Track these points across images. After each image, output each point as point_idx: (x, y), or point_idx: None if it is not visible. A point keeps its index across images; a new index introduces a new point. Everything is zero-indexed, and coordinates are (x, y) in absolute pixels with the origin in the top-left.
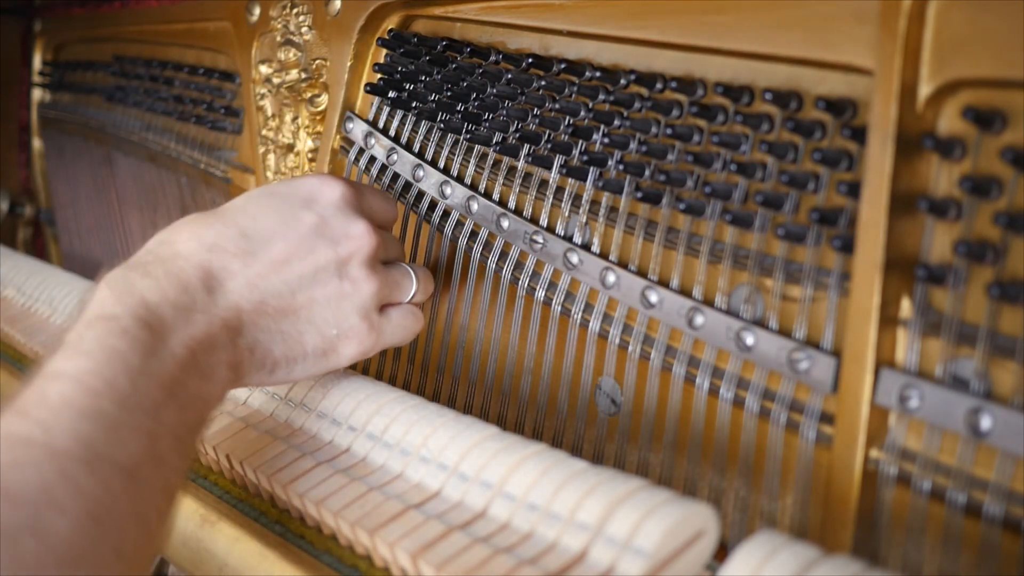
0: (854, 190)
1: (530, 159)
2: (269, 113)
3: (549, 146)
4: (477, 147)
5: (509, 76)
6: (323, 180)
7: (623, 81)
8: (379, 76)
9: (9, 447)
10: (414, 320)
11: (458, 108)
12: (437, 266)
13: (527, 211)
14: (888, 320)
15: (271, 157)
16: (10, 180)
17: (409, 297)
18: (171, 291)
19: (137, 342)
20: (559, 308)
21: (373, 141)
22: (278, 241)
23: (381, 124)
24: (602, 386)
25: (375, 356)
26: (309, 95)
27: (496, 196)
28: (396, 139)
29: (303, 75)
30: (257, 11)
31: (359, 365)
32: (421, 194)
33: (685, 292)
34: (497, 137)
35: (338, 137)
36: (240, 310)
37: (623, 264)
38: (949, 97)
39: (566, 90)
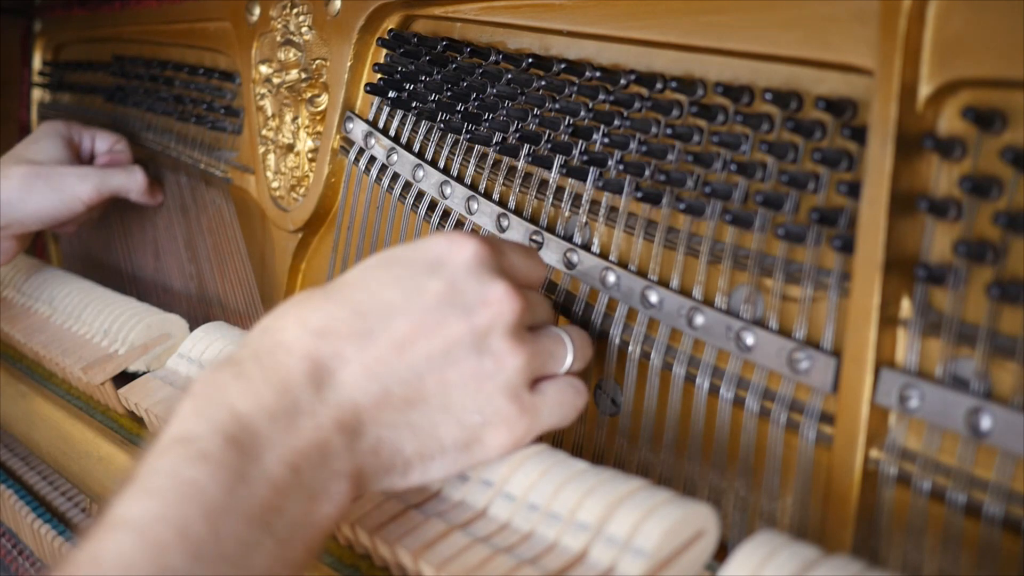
0: (854, 190)
1: (530, 159)
2: (269, 113)
3: (549, 146)
4: (477, 147)
5: (509, 76)
6: (452, 239)
7: (623, 81)
8: (379, 76)
9: None
10: (574, 394)
11: (458, 108)
12: None
13: (527, 211)
14: (888, 320)
15: (271, 157)
16: None
17: (565, 367)
18: (268, 394)
19: (221, 469)
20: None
21: (373, 141)
22: (400, 316)
23: (381, 124)
24: (602, 386)
25: None
26: (309, 95)
27: (496, 196)
28: (396, 139)
29: (303, 75)
30: (257, 11)
31: None
32: (421, 194)
33: (685, 292)
34: (497, 137)
35: (338, 137)
36: (357, 405)
37: (623, 264)
38: (949, 97)
39: (566, 90)
